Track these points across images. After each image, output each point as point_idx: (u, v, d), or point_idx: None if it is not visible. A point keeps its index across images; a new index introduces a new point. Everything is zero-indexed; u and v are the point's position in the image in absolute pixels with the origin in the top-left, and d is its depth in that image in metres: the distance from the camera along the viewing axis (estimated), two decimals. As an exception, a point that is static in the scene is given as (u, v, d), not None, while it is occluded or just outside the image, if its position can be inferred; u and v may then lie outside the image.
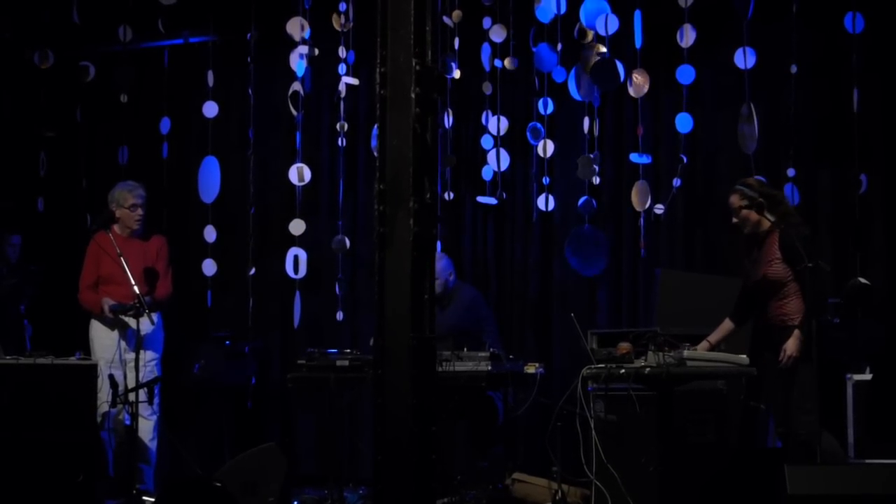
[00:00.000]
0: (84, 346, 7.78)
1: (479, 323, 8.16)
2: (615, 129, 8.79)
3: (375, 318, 4.97)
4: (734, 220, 6.82)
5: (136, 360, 7.19)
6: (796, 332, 6.43)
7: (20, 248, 8.90)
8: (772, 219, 6.61)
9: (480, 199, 8.72)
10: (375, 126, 5.17)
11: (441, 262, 8.31)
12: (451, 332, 7.98)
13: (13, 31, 8.74)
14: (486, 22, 8.32)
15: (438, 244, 7.56)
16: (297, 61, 8.24)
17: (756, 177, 7.00)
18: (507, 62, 8.36)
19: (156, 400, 7.40)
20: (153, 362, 7.79)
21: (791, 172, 7.81)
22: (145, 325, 7.34)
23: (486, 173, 8.65)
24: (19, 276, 8.82)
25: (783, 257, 6.54)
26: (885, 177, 8.17)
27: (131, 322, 7.42)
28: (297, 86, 8.30)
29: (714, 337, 6.76)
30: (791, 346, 6.42)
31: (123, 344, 7.70)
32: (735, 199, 6.75)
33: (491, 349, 7.40)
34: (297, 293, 8.64)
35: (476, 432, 7.94)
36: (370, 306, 5.39)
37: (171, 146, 9.01)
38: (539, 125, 8.37)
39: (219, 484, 6.34)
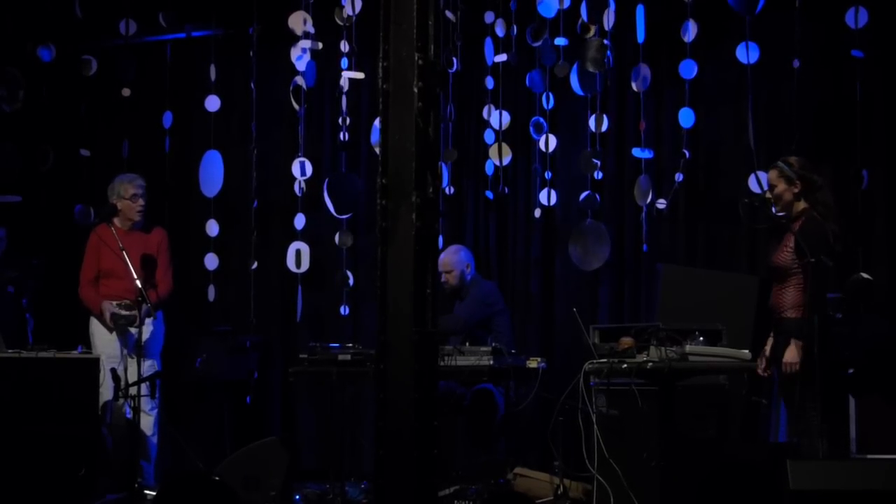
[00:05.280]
0: (86, 339, 7.79)
1: (493, 318, 8.15)
2: (617, 124, 8.78)
3: (377, 313, 4.97)
4: (767, 194, 6.74)
5: (138, 357, 7.21)
6: (794, 341, 6.35)
7: (5, 241, 8.85)
8: (804, 204, 6.51)
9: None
10: (376, 120, 5.17)
11: (458, 255, 8.32)
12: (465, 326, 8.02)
13: (14, 25, 8.73)
14: (489, 16, 8.32)
15: (441, 238, 7.56)
16: (299, 56, 8.24)
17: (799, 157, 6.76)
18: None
19: (156, 394, 7.41)
20: (154, 356, 7.79)
21: (793, 167, 7.80)
22: (146, 322, 7.37)
23: (488, 168, 8.66)
24: (21, 270, 8.81)
25: (794, 246, 6.45)
26: (886, 172, 8.16)
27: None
28: (299, 80, 8.30)
29: None
30: (789, 356, 6.36)
31: (124, 339, 7.70)
32: (772, 175, 6.62)
33: (493, 344, 7.41)
34: (300, 287, 8.64)
35: (477, 427, 7.94)
36: (372, 300, 5.39)
37: (173, 140, 9.01)
38: (541, 120, 8.37)
39: (219, 478, 6.34)
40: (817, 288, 6.33)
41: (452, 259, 8.29)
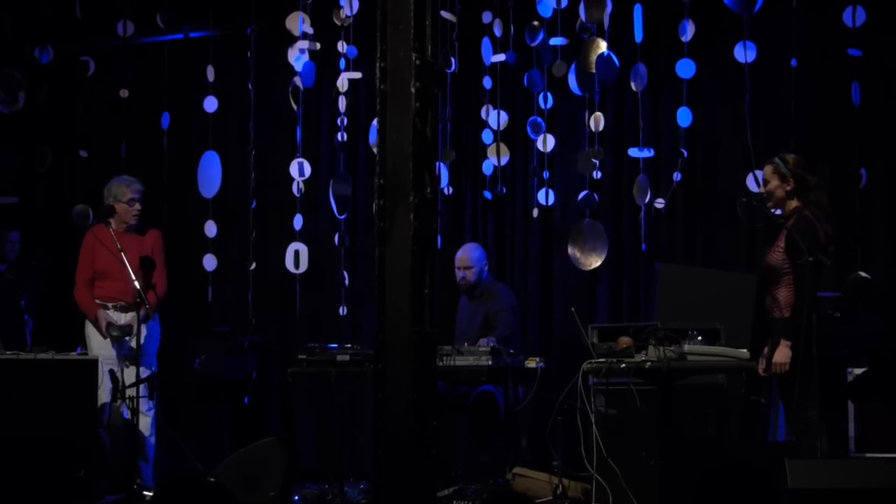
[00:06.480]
0: (84, 341, 7.78)
1: (508, 325, 8.17)
2: (616, 123, 8.78)
3: (376, 313, 4.97)
4: (761, 190, 6.73)
5: (136, 361, 7.20)
6: (783, 342, 6.35)
7: (19, 244, 8.89)
8: (796, 202, 6.49)
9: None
10: (374, 121, 5.17)
11: (476, 252, 8.34)
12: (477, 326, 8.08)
13: (13, 26, 8.73)
14: (487, 16, 8.32)
15: (439, 239, 7.56)
16: (297, 56, 8.25)
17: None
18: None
19: (154, 395, 7.41)
20: (151, 357, 7.78)
21: (791, 166, 7.79)
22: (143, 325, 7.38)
23: (487, 168, 8.66)
24: (19, 272, 8.82)
25: (786, 246, 6.45)
26: (885, 171, 8.16)
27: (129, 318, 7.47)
28: (297, 80, 8.30)
29: None
30: (778, 357, 6.36)
31: (119, 345, 7.69)
32: (767, 171, 6.59)
33: (490, 343, 7.41)
34: (298, 288, 8.64)
35: (478, 430, 7.94)
36: (371, 301, 5.39)
37: (171, 141, 9.01)
38: (539, 119, 8.37)
39: (213, 479, 6.34)
40: (804, 287, 6.30)
41: (472, 256, 8.32)
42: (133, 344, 7.38)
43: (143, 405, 7.43)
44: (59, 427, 6.96)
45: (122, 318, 7.68)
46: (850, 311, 7.54)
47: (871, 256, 8.02)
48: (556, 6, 7.84)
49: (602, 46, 7.65)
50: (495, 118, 8.39)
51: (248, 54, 8.78)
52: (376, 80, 5.03)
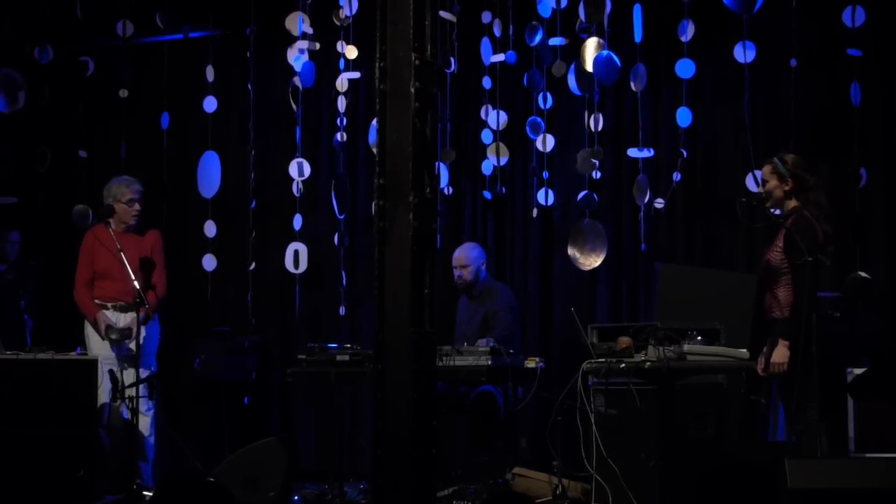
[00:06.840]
0: (84, 341, 7.78)
1: (506, 325, 8.16)
2: (615, 123, 8.78)
3: (375, 313, 4.97)
4: (760, 190, 6.72)
5: (136, 363, 7.20)
6: (781, 342, 6.35)
7: (20, 244, 8.89)
8: (795, 202, 6.49)
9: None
10: (374, 121, 5.17)
11: (474, 252, 8.35)
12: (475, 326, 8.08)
13: (13, 26, 8.73)
14: (486, 16, 8.32)
15: (439, 238, 7.56)
16: (296, 56, 8.25)
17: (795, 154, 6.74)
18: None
19: (153, 395, 7.41)
20: (150, 357, 7.78)
21: (791, 166, 7.79)
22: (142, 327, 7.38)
23: (486, 168, 8.66)
24: (19, 272, 8.82)
25: (785, 246, 6.45)
26: (884, 170, 8.16)
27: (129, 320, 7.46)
28: (297, 80, 8.30)
29: None
30: (776, 356, 6.37)
31: (119, 347, 7.69)
32: (766, 171, 6.59)
33: (490, 343, 7.41)
34: (298, 288, 8.64)
35: (478, 430, 7.94)
36: (370, 301, 5.39)
37: (170, 141, 9.01)
38: (539, 119, 8.37)
39: (213, 479, 6.34)
40: (803, 287, 6.29)
41: (469, 255, 8.33)
42: (132, 345, 7.37)
43: (143, 405, 7.43)
44: (59, 427, 6.96)
45: (122, 320, 7.69)
46: (849, 310, 7.54)
47: (871, 256, 8.02)
48: (555, 6, 7.84)
49: (599, 46, 7.64)
50: (495, 118, 8.39)
51: (248, 54, 8.77)
52: (376, 80, 5.03)
